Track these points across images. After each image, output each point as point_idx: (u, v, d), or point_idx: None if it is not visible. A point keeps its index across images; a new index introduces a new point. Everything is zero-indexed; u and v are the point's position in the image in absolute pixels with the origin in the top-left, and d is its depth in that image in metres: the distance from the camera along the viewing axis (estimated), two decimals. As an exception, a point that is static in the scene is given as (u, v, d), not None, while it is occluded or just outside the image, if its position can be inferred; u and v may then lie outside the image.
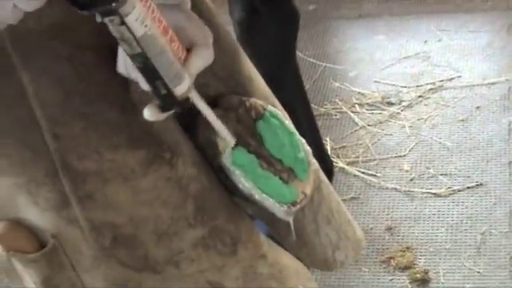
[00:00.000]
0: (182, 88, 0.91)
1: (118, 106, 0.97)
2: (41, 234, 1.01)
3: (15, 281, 1.07)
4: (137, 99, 0.98)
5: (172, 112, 0.94)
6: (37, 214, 0.99)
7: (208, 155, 1.09)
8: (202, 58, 0.95)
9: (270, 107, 1.14)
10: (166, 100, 0.91)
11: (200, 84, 1.04)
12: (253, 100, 1.12)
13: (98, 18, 0.83)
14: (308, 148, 1.16)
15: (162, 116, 0.93)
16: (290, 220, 1.12)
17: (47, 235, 1.00)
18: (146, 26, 0.85)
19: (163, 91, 0.90)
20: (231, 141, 1.05)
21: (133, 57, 0.87)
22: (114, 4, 0.81)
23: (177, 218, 1.03)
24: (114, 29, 0.83)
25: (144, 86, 0.91)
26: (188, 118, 1.10)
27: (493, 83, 2.84)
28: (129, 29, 0.83)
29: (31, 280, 1.03)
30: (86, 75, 0.95)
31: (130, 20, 0.83)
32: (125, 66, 0.94)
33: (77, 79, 0.94)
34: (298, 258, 1.31)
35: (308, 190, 1.13)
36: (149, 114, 0.92)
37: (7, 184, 0.97)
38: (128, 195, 0.99)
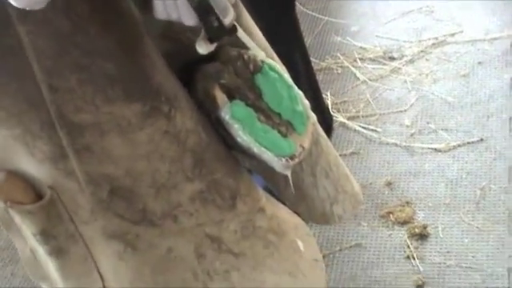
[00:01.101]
0: (230, 17, 1.00)
1: (113, 58, 0.96)
2: (38, 185, 1.01)
3: (13, 233, 1.07)
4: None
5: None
6: (34, 166, 0.99)
7: (206, 109, 1.08)
8: None
9: (268, 60, 1.13)
10: (217, 31, 1.00)
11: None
12: (251, 53, 1.12)
13: None
14: (306, 101, 1.16)
15: (213, 47, 1.02)
16: (288, 173, 1.12)
17: (45, 187, 1.00)
18: None
19: (215, 24, 0.99)
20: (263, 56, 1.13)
21: None
22: None
23: (174, 171, 1.03)
24: None
25: (188, 21, 0.98)
26: (187, 72, 1.09)
27: (495, 38, 2.82)
28: None
29: (29, 232, 1.04)
30: (82, 27, 0.94)
31: None
32: (165, 9, 0.99)
33: (72, 31, 0.94)
34: (296, 213, 1.32)
35: (306, 144, 1.13)
36: (203, 48, 1.01)
37: (4, 135, 0.98)
38: (125, 148, 0.99)
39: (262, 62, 1.11)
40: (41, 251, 1.05)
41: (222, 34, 1.01)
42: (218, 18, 0.98)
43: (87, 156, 0.98)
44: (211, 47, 1.02)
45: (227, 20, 0.99)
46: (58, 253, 1.04)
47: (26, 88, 0.94)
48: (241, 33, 1.06)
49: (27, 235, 1.05)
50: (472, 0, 3.03)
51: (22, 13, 0.89)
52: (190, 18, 0.97)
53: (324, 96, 2.58)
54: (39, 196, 1.01)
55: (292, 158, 1.10)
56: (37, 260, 1.08)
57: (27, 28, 0.92)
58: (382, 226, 2.22)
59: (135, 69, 0.98)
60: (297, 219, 1.30)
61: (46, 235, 1.03)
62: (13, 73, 0.94)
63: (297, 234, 1.25)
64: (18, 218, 1.03)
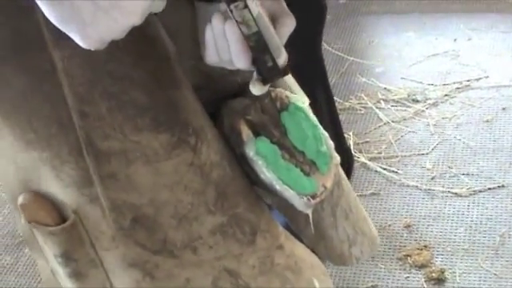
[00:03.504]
0: (283, 57, 0.99)
1: (144, 88, 0.98)
2: (63, 208, 1.02)
3: (36, 252, 1.09)
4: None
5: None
6: (59, 189, 1.00)
7: (231, 143, 1.09)
8: (288, 26, 1.01)
9: (295, 99, 1.14)
10: (270, 72, 0.98)
11: (229, 72, 1.05)
12: (279, 91, 1.13)
13: (223, 6, 0.91)
14: (331, 142, 1.17)
15: (266, 88, 1.01)
16: (309, 212, 1.12)
17: (69, 210, 1.01)
18: (257, 5, 0.92)
19: (270, 64, 0.97)
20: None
21: (248, 36, 0.94)
22: None
23: (197, 203, 1.03)
24: (236, 13, 0.91)
25: (240, 64, 0.97)
26: (214, 105, 1.10)
27: (520, 85, 2.83)
28: (249, 10, 0.90)
29: (51, 252, 1.05)
30: (116, 56, 0.96)
31: (250, 2, 0.90)
32: (216, 52, 0.98)
33: (106, 59, 0.95)
34: (315, 252, 1.31)
35: (328, 184, 1.13)
36: (256, 89, 1.00)
37: (33, 157, 0.99)
38: (150, 177, 1.00)
39: (289, 100, 1.12)
40: (61, 272, 1.06)
41: (276, 75, 0.99)
42: (272, 58, 0.97)
43: (112, 183, 0.99)
44: (265, 88, 1.01)
45: (281, 60, 0.99)
46: (77, 276, 1.05)
47: (58, 112, 0.96)
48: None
49: (49, 256, 1.06)
50: (498, 46, 3.04)
51: (58, 38, 0.90)
52: (243, 59, 0.96)
53: (346, 136, 2.59)
54: (63, 219, 1.02)
55: (313, 197, 1.10)
56: (56, 280, 1.08)
57: (62, 53, 0.94)
58: (400, 268, 2.22)
59: (165, 99, 1.00)
60: (314, 258, 1.30)
61: (66, 258, 1.04)
62: (46, 97, 0.96)
63: (313, 273, 1.25)
64: (41, 239, 1.04)
